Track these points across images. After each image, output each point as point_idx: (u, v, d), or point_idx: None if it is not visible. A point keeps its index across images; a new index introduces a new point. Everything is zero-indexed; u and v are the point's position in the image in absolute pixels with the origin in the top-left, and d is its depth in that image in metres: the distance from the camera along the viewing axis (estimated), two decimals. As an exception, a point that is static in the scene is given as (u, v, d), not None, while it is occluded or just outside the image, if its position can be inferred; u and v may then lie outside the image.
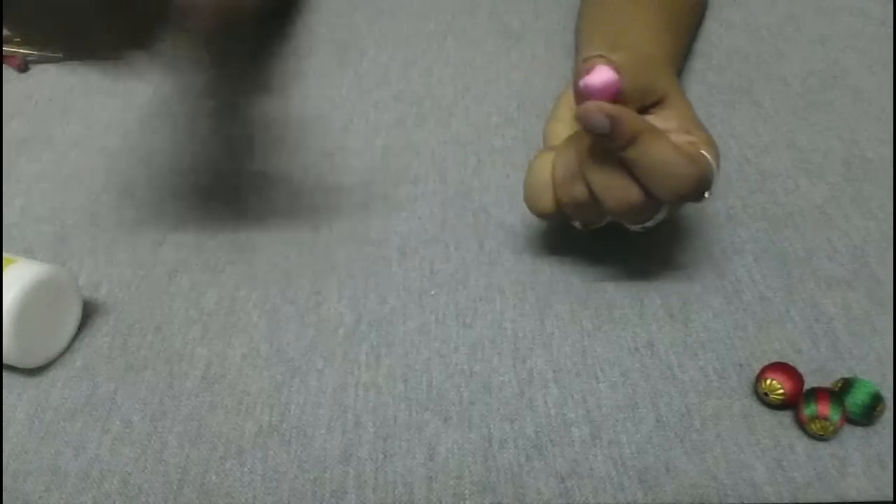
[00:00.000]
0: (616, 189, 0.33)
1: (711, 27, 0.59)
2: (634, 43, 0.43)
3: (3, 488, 0.32)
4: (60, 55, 0.55)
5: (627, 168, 0.32)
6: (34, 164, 0.47)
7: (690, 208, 0.43)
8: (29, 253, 0.41)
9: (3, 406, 0.35)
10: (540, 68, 0.54)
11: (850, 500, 0.31)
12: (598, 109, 0.31)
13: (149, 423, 0.34)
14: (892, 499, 0.31)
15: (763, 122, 0.50)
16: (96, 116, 0.51)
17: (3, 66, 0.55)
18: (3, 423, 0.34)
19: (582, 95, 0.32)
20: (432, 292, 0.39)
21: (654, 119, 0.35)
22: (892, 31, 0.58)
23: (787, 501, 0.31)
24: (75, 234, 0.42)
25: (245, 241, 0.42)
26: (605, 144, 0.32)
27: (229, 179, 0.46)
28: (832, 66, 0.55)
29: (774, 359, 0.36)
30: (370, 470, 0.32)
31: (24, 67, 0.55)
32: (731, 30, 0.58)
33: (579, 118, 0.31)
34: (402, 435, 0.33)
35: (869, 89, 0.53)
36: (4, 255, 0.35)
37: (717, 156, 0.35)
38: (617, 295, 0.39)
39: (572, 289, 0.39)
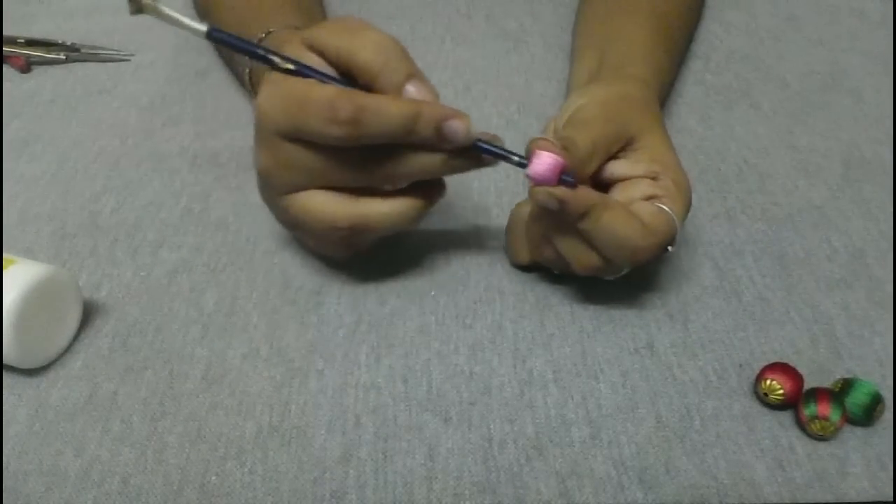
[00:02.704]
0: (578, 255, 0.35)
1: (711, 28, 0.59)
2: (622, 61, 0.44)
3: (3, 488, 0.32)
4: (63, 56, 0.55)
5: (585, 237, 0.34)
6: (34, 165, 0.47)
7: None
8: (29, 253, 0.41)
9: (3, 406, 0.35)
10: (539, 70, 0.54)
11: (850, 500, 0.31)
12: (547, 194, 0.32)
13: (149, 424, 0.34)
14: (892, 499, 0.31)
15: (762, 123, 0.50)
16: (97, 117, 0.51)
17: (5, 66, 0.55)
18: (3, 423, 0.34)
19: (530, 180, 0.33)
20: (432, 293, 0.39)
21: (623, 164, 0.36)
22: (892, 31, 0.59)
23: (787, 501, 0.31)
24: (75, 235, 0.42)
25: (245, 241, 0.42)
26: (561, 218, 0.33)
27: (229, 180, 0.46)
28: (831, 67, 0.55)
29: (774, 359, 0.36)
30: (370, 470, 0.32)
31: (25, 68, 0.55)
32: (731, 31, 0.59)
33: (532, 200, 0.34)
34: (402, 435, 0.33)
35: (868, 90, 0.53)
36: (4, 255, 0.35)
37: (685, 201, 0.36)
38: (617, 295, 0.39)
39: (572, 289, 0.39)
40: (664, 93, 0.47)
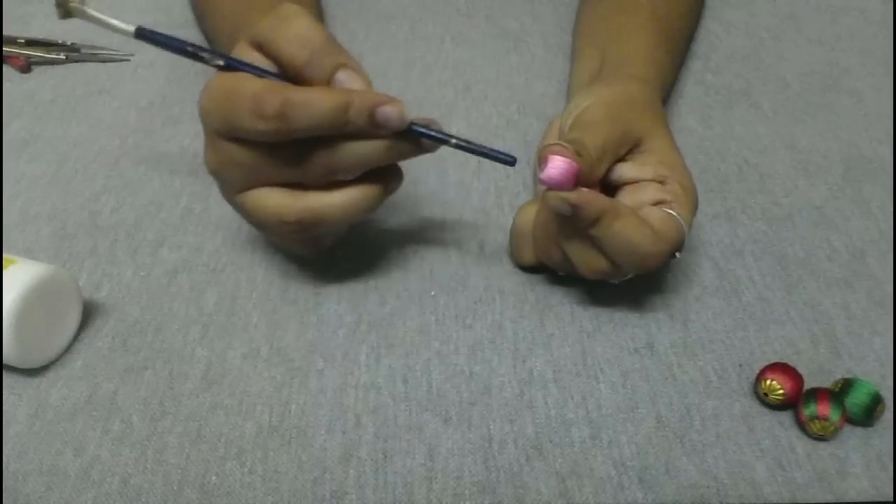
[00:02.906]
0: (587, 259, 0.35)
1: (711, 28, 0.59)
2: (623, 62, 0.44)
3: (3, 488, 0.32)
4: (63, 56, 0.55)
5: (595, 242, 0.34)
6: (34, 165, 0.47)
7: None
8: (29, 253, 0.41)
9: (3, 406, 0.35)
10: (539, 70, 0.54)
11: (850, 500, 0.31)
12: (560, 199, 0.32)
13: (149, 424, 0.34)
14: (892, 499, 0.31)
15: (762, 123, 0.50)
16: (97, 117, 0.51)
17: (5, 66, 0.55)
18: (3, 423, 0.34)
19: (544, 185, 0.33)
20: (432, 293, 0.39)
21: (631, 167, 0.36)
22: (892, 31, 0.59)
23: (787, 501, 0.31)
24: (75, 235, 0.42)
25: (245, 241, 0.42)
26: (572, 223, 0.33)
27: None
28: (832, 67, 0.55)
29: (774, 359, 0.36)
30: (370, 470, 0.32)
31: (26, 68, 0.55)
32: (731, 30, 0.59)
33: (545, 205, 0.33)
34: (402, 435, 0.33)
35: (868, 90, 0.53)
36: (4, 255, 0.35)
37: (692, 204, 0.36)
38: (617, 295, 0.39)
39: (572, 289, 0.39)
40: (665, 93, 0.47)
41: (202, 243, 0.42)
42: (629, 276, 0.36)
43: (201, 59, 0.32)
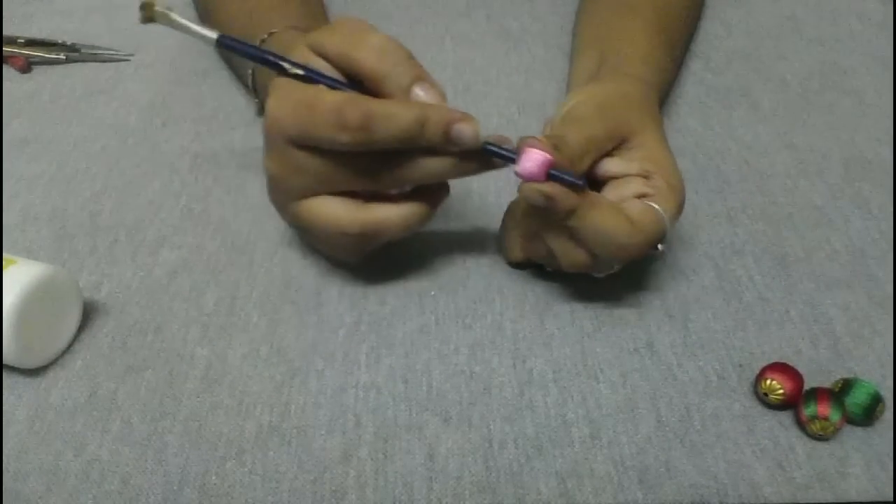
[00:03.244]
0: (567, 252, 0.35)
1: (711, 28, 0.59)
2: (622, 61, 0.44)
3: (3, 488, 0.32)
4: (63, 57, 0.56)
5: (573, 234, 0.34)
6: (34, 165, 0.47)
7: (689, 208, 0.42)
8: (29, 253, 0.41)
9: (3, 406, 0.35)
10: (539, 70, 0.54)
11: (850, 500, 0.31)
12: (535, 191, 0.32)
13: (149, 424, 0.34)
14: (892, 499, 0.31)
15: (762, 123, 0.50)
16: (96, 117, 0.51)
17: (5, 66, 0.55)
18: (3, 423, 0.34)
19: (520, 177, 0.33)
20: (432, 293, 0.39)
21: (617, 162, 0.36)
22: (892, 31, 0.59)
23: (787, 501, 0.31)
24: (75, 235, 0.42)
25: (245, 241, 0.42)
26: (548, 215, 0.33)
27: (229, 180, 0.46)
28: (832, 67, 0.55)
29: (774, 359, 0.36)
30: (370, 470, 0.32)
31: (26, 68, 0.55)
32: (731, 30, 0.59)
33: (521, 196, 0.34)
34: (402, 435, 0.33)
35: (868, 90, 0.53)
36: (4, 255, 0.35)
37: (677, 201, 0.35)
38: (617, 295, 0.39)
39: (572, 289, 0.39)
40: (664, 93, 0.47)
41: (202, 243, 0.42)
42: (613, 270, 0.36)
43: (279, 68, 0.32)
